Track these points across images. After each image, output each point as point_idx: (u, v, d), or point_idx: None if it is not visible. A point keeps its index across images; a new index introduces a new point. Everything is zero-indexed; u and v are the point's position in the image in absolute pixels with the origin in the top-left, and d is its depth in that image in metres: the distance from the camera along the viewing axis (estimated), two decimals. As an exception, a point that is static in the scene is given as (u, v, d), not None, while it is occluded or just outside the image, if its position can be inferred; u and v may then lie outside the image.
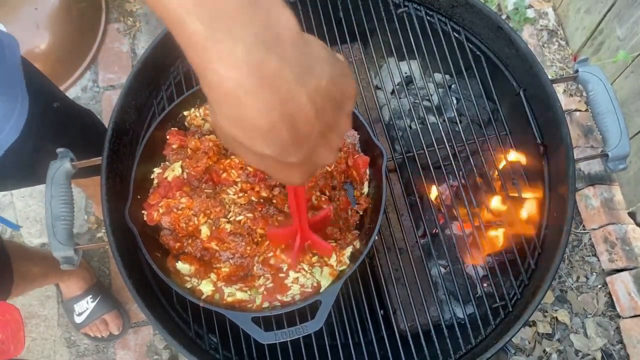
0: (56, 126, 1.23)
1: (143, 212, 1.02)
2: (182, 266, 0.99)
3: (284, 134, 0.40)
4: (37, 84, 1.15)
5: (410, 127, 1.32)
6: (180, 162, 1.03)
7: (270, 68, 0.37)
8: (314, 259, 0.99)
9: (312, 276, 0.98)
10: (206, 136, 1.05)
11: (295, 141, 0.41)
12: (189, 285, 0.99)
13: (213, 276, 0.98)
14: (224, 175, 1.02)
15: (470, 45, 1.25)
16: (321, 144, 0.44)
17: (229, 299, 0.97)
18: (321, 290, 0.97)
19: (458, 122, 1.29)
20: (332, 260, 0.99)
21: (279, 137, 0.40)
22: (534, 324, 1.68)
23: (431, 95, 1.38)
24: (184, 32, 0.37)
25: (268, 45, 0.38)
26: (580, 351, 1.65)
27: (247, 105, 0.38)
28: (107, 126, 1.12)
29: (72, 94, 2.03)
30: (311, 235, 0.89)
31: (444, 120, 1.26)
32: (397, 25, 1.27)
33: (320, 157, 0.45)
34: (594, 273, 1.73)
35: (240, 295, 0.97)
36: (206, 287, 0.97)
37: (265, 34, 0.38)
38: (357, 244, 1.02)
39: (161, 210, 1.00)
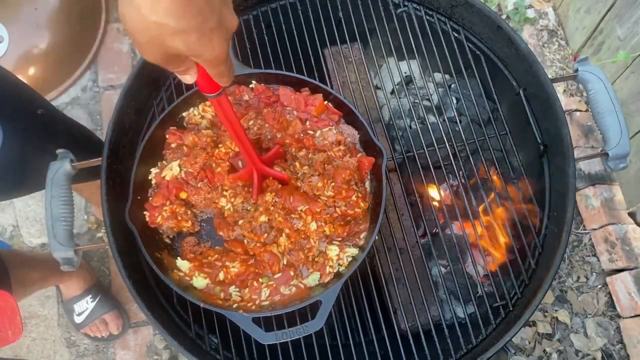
0: (43, 132, 1.24)
1: (145, 212, 1.02)
2: (181, 263, 1.00)
3: (199, 3, 0.53)
4: (15, 96, 1.17)
5: (410, 126, 1.32)
6: (178, 160, 1.04)
7: None
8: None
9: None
10: (203, 131, 1.06)
11: (209, 8, 0.55)
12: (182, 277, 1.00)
13: (221, 275, 0.99)
14: (219, 170, 1.04)
15: (470, 45, 1.25)
16: (225, 5, 0.58)
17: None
18: (307, 282, 0.99)
19: (458, 121, 1.29)
20: (334, 254, 1.00)
21: (196, 7, 0.53)
22: (534, 324, 1.68)
23: (431, 95, 1.37)
24: None
25: None
26: (581, 351, 1.65)
27: None
28: (106, 127, 1.12)
29: (72, 94, 2.03)
30: (266, 170, 1.00)
31: (444, 120, 1.26)
32: (397, 25, 1.27)
33: (228, 20, 0.59)
34: (594, 273, 1.73)
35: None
36: (200, 283, 0.98)
37: None
38: (364, 236, 1.03)
39: (165, 215, 1.01)
